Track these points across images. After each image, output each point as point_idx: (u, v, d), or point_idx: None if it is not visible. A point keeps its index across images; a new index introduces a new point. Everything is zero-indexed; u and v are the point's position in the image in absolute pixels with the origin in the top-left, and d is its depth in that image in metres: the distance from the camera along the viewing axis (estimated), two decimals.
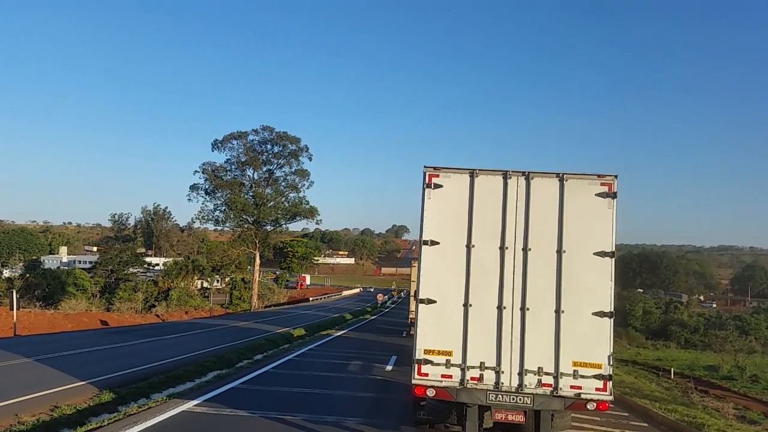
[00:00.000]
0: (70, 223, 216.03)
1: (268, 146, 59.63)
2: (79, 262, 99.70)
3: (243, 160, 58.67)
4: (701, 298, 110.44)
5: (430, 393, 7.40)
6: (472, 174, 7.65)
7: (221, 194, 58.29)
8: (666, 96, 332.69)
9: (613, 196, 7.46)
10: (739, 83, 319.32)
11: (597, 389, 7.20)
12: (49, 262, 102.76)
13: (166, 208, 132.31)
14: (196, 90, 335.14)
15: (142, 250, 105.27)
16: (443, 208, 7.61)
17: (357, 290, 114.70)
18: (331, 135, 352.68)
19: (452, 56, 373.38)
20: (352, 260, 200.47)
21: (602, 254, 7.36)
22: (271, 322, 33.63)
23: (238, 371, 13.87)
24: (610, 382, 7.24)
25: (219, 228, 66.22)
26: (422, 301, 7.52)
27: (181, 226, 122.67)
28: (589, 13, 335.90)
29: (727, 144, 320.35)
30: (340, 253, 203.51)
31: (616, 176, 7.50)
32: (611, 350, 7.31)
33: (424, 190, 7.67)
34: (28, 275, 63.00)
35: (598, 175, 7.52)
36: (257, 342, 19.94)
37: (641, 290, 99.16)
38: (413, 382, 7.42)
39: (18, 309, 23.15)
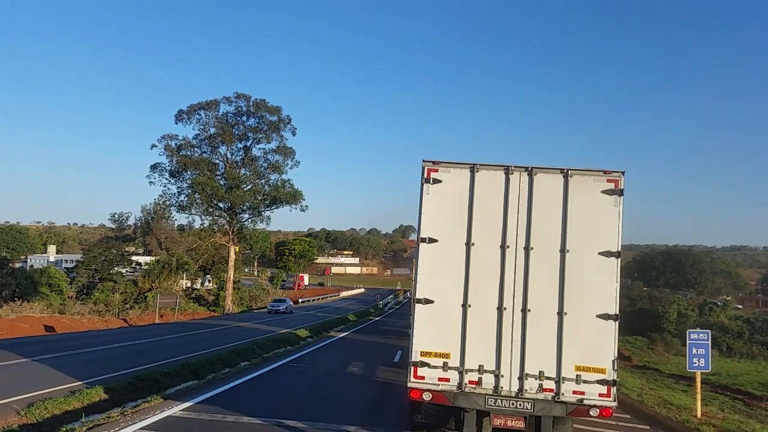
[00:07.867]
0: (75, 223, 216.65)
1: (244, 119, 53.49)
2: (66, 261, 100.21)
3: (212, 132, 52.27)
4: (728, 298, 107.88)
5: (427, 397, 7.51)
6: (473, 169, 7.77)
7: (189, 175, 52.06)
8: (670, 96, 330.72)
9: (620, 193, 7.57)
10: (737, 83, 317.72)
11: (600, 395, 7.31)
12: (36, 261, 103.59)
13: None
14: (197, 90, 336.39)
15: (133, 248, 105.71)
16: (442, 205, 7.74)
17: (361, 290, 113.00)
18: (338, 134, 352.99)
19: (463, 58, 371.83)
20: (356, 260, 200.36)
21: (607, 254, 7.47)
22: (236, 329, 29.30)
23: None
24: (614, 388, 7.36)
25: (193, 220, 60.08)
26: (419, 301, 7.65)
27: (183, 224, 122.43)
28: (592, 12, 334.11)
29: (735, 144, 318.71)
30: (345, 252, 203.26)
31: (623, 173, 7.61)
32: (616, 354, 7.43)
33: (422, 185, 7.80)
34: None
35: (605, 171, 7.63)
36: (162, 370, 14.21)
37: (679, 292, 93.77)
38: (409, 385, 7.55)
39: None
